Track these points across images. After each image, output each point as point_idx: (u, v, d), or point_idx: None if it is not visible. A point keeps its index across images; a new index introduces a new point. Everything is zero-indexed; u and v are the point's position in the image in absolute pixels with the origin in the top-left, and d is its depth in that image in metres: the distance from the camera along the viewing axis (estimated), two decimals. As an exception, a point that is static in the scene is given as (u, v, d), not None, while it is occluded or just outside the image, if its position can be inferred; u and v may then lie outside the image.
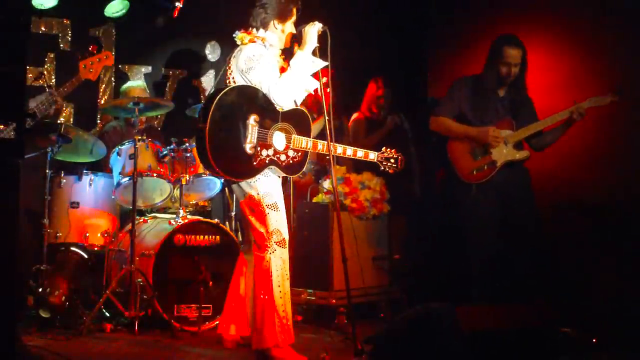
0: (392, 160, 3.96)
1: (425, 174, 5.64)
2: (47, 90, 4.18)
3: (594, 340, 3.88)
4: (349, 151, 3.86)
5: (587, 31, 4.77)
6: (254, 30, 3.74)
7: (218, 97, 3.49)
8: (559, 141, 4.47)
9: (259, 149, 3.55)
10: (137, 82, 5.45)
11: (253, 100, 3.57)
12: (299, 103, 3.73)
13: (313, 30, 3.64)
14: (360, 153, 3.90)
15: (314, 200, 5.08)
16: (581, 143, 4.62)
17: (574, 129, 4.39)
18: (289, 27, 3.76)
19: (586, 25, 4.79)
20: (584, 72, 4.73)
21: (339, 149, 3.82)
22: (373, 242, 5.06)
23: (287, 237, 3.67)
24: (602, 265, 4.42)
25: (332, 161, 3.67)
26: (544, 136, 4.45)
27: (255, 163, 3.55)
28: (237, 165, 3.54)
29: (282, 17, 3.73)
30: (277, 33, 3.74)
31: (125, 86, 5.29)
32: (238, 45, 3.73)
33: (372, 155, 3.94)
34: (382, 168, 3.97)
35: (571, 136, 4.46)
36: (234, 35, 3.76)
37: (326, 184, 4.96)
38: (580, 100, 4.27)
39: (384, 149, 3.97)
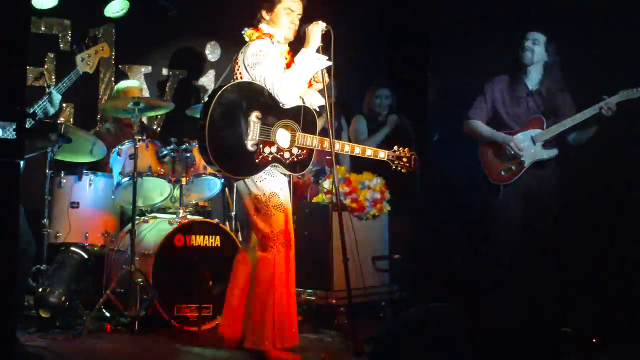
0: (404, 159, 3.91)
1: (426, 174, 5.64)
2: (47, 89, 4.16)
3: (594, 340, 3.88)
4: (357, 149, 3.83)
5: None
6: (262, 26, 3.74)
7: (219, 93, 3.49)
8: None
9: (261, 146, 3.54)
10: (133, 82, 5.43)
11: (255, 96, 3.56)
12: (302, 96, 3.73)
13: (317, 30, 3.65)
14: (369, 151, 3.87)
15: (314, 200, 5.08)
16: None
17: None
18: (284, 18, 3.71)
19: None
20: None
21: (347, 147, 3.80)
22: (373, 242, 5.05)
23: (292, 239, 3.66)
24: (602, 265, 4.42)
25: (333, 160, 3.66)
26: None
27: (257, 160, 3.54)
28: (238, 162, 3.52)
29: (268, 7, 3.73)
30: (275, 25, 3.72)
31: (122, 86, 5.27)
32: (246, 42, 3.72)
33: (382, 154, 3.89)
34: (394, 167, 3.92)
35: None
36: (242, 32, 3.76)
37: (326, 184, 4.96)
38: (610, 94, 4.23)
39: (395, 147, 3.93)
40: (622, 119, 4.26)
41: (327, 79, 3.76)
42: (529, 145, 4.41)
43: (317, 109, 3.88)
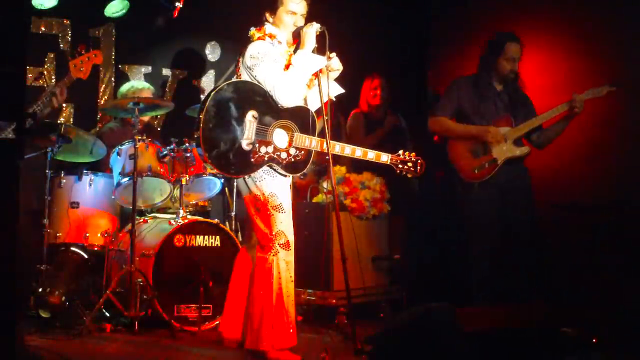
0: (409, 164, 3.85)
1: (425, 173, 5.64)
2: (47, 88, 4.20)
3: (594, 340, 3.88)
4: (358, 152, 3.76)
5: (586, 26, 4.74)
6: (265, 26, 3.74)
7: (214, 91, 3.51)
8: (557, 138, 4.48)
9: (257, 145, 3.54)
10: (143, 84, 5.39)
11: (252, 96, 3.56)
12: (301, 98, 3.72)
13: (311, 31, 3.64)
14: (371, 154, 3.79)
15: (314, 200, 5.09)
16: (580, 140, 4.61)
17: (574, 124, 4.38)
18: (287, 19, 3.70)
19: (585, 20, 4.75)
20: (583, 68, 4.71)
21: (347, 149, 3.75)
22: (373, 242, 5.06)
23: (292, 240, 3.65)
24: (602, 265, 4.42)
25: (330, 161, 3.63)
26: (545, 132, 4.47)
27: (252, 160, 3.53)
28: (232, 161, 3.52)
29: (271, 8, 3.72)
30: (279, 27, 3.71)
31: (132, 88, 5.21)
32: (250, 42, 3.70)
33: (385, 157, 3.83)
34: (399, 172, 3.86)
35: (570, 132, 4.46)
36: (249, 31, 3.76)
37: (326, 184, 4.96)
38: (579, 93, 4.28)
39: (401, 152, 3.87)
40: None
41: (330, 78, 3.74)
42: (501, 142, 4.41)
43: (334, 99, 3.84)
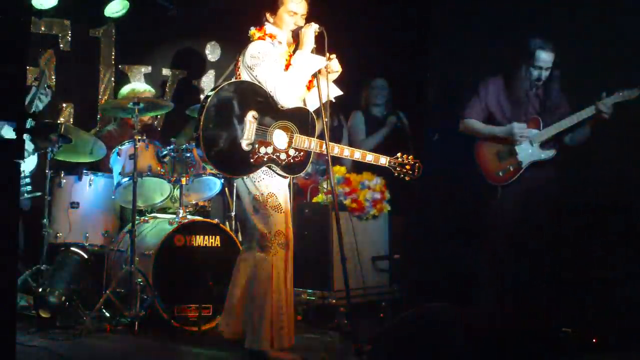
0: (407, 167, 3.83)
1: (425, 173, 5.64)
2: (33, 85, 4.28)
3: (594, 340, 3.88)
4: (357, 154, 3.76)
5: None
6: (266, 26, 3.74)
7: (215, 91, 3.50)
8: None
9: (256, 146, 3.53)
10: (144, 86, 5.39)
11: (253, 96, 3.56)
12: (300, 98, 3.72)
13: (310, 32, 3.63)
14: (370, 157, 3.79)
15: (314, 200, 5.09)
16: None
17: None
18: (288, 20, 3.69)
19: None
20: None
21: (346, 151, 3.75)
22: (373, 242, 5.06)
23: (291, 240, 3.65)
24: (602, 265, 4.42)
25: (329, 162, 3.62)
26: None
27: (252, 160, 3.53)
28: (232, 161, 3.52)
29: (271, 8, 3.71)
30: (279, 27, 3.71)
31: (132, 92, 5.21)
32: (250, 42, 3.69)
33: (383, 160, 3.82)
34: (397, 174, 3.86)
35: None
36: (249, 30, 3.76)
37: (326, 184, 4.96)
38: (607, 95, 4.25)
39: (399, 154, 3.86)
40: (619, 120, 4.27)
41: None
42: (527, 145, 4.42)
43: (333, 100, 3.83)
